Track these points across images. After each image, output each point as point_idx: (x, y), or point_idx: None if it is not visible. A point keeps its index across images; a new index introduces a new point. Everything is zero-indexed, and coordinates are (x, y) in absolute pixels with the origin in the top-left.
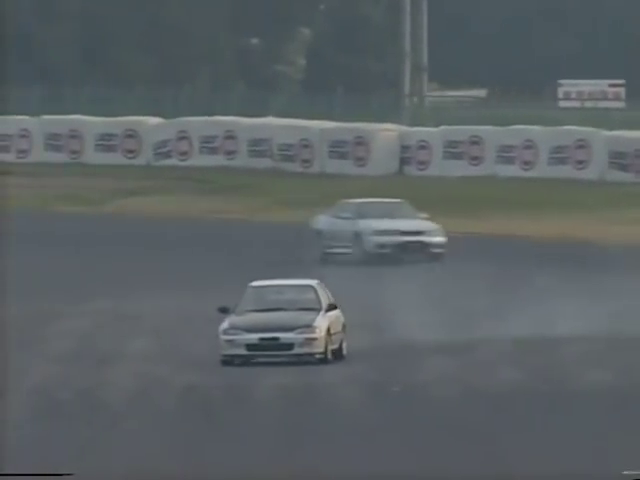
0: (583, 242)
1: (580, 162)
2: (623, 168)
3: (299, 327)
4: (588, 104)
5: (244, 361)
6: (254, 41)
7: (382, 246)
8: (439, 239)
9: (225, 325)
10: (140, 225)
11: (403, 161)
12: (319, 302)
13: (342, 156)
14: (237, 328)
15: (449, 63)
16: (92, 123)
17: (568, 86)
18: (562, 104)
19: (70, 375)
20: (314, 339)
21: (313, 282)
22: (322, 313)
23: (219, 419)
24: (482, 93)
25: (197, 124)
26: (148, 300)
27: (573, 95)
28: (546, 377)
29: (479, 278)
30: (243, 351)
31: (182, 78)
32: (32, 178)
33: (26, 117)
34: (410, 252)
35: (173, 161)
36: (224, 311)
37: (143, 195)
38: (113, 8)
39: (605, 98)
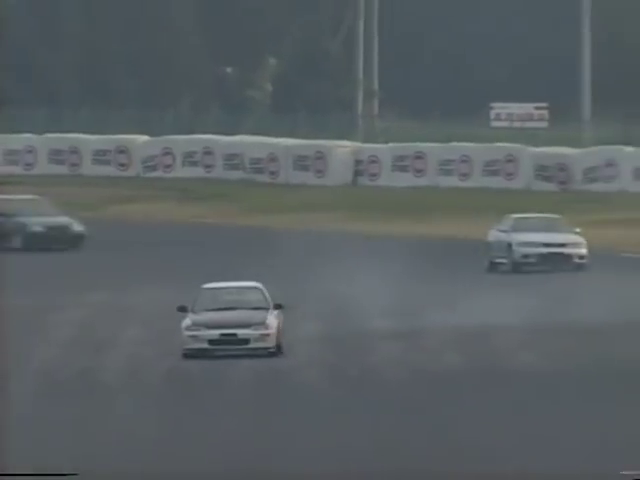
0: None
1: (509, 174)
2: (546, 179)
3: (254, 324)
4: (516, 124)
5: (206, 354)
6: (228, 70)
7: (526, 256)
8: (581, 251)
9: (188, 322)
10: (131, 228)
11: (356, 173)
12: (267, 302)
13: (304, 168)
14: (199, 325)
15: (399, 88)
16: (89, 140)
17: (499, 109)
18: (494, 124)
19: (70, 358)
20: (267, 335)
21: (258, 284)
22: (271, 312)
23: (199, 396)
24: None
25: (180, 141)
26: (139, 293)
27: (503, 116)
28: (482, 360)
29: (422, 274)
30: (205, 345)
31: (167, 102)
32: (37, 188)
33: (32, 135)
34: (552, 262)
35: (159, 173)
36: (183, 310)
37: (134, 202)
38: (108, 38)
39: (531, 119)
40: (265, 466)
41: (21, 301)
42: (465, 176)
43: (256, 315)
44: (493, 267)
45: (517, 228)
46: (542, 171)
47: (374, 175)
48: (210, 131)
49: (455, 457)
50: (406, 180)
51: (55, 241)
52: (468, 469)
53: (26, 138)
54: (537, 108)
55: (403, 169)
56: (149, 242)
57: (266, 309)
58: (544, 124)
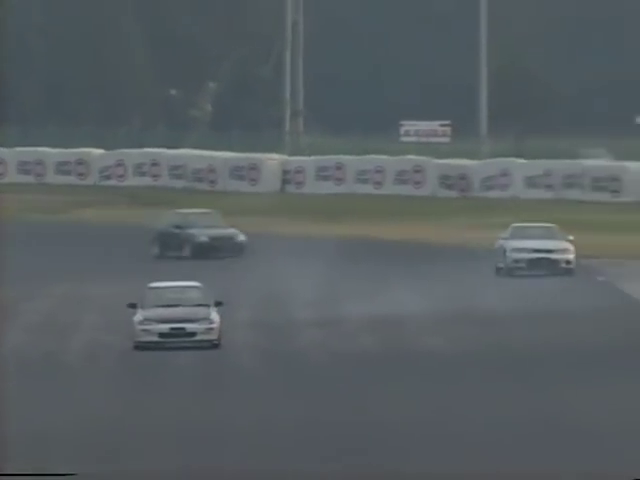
0: (422, 242)
1: (417, 183)
2: (449, 187)
3: (200, 319)
4: (423, 139)
5: (156, 347)
6: (173, 92)
7: (518, 261)
8: (568, 257)
9: (140, 317)
10: (89, 229)
11: (284, 181)
12: (207, 299)
13: (239, 178)
14: (150, 320)
15: (322, 108)
16: (52, 153)
17: (408, 126)
18: (403, 139)
19: (37, 341)
20: (212, 329)
21: (198, 284)
22: (212, 308)
23: (151, 375)
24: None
25: (131, 154)
26: (96, 285)
27: (412, 133)
28: (394, 342)
29: (342, 269)
30: (156, 338)
31: (120, 120)
32: (8, 195)
33: (2, 149)
34: (540, 267)
35: (113, 182)
36: (133, 306)
37: (91, 207)
38: (70, 65)
39: (435, 135)
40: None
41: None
42: (379, 184)
43: (201, 311)
44: (498, 271)
45: (514, 236)
46: (445, 180)
47: (300, 183)
48: (157, 145)
49: (370, 428)
50: (328, 188)
51: (219, 250)
52: (381, 437)
53: None
54: (441, 125)
55: (325, 178)
56: (105, 241)
57: (208, 306)
58: (447, 139)
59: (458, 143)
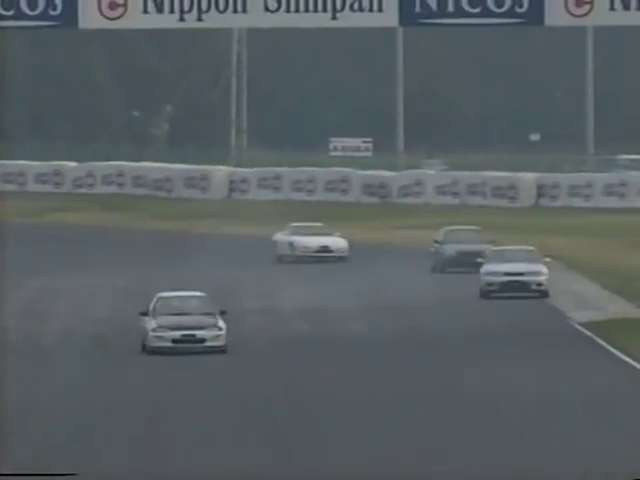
0: (349, 241)
1: (343, 190)
2: (371, 194)
3: (209, 326)
4: (348, 154)
5: (169, 352)
6: (135, 113)
7: (491, 284)
8: (539, 279)
9: (153, 324)
10: (65, 230)
11: (231, 190)
12: (213, 308)
13: (192, 186)
14: (163, 327)
15: (262, 127)
16: (32, 166)
17: (336, 142)
18: (332, 154)
19: (18, 326)
20: (220, 335)
21: (203, 294)
22: (219, 316)
23: (117, 356)
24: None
25: (99, 167)
26: (70, 278)
27: (339, 148)
28: (323, 327)
29: (275, 266)
30: (169, 344)
31: (90, 137)
32: None
33: None
34: (512, 289)
35: (84, 190)
36: (144, 314)
37: (66, 211)
38: (48, 91)
39: (359, 150)
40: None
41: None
42: (311, 192)
43: (209, 319)
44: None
45: (490, 259)
46: (368, 188)
47: (244, 191)
48: (122, 159)
49: (301, 398)
50: (267, 195)
51: (464, 264)
52: (311, 405)
53: None
54: (364, 142)
55: (265, 187)
56: (78, 240)
57: (214, 314)
58: (369, 154)
59: (378, 157)
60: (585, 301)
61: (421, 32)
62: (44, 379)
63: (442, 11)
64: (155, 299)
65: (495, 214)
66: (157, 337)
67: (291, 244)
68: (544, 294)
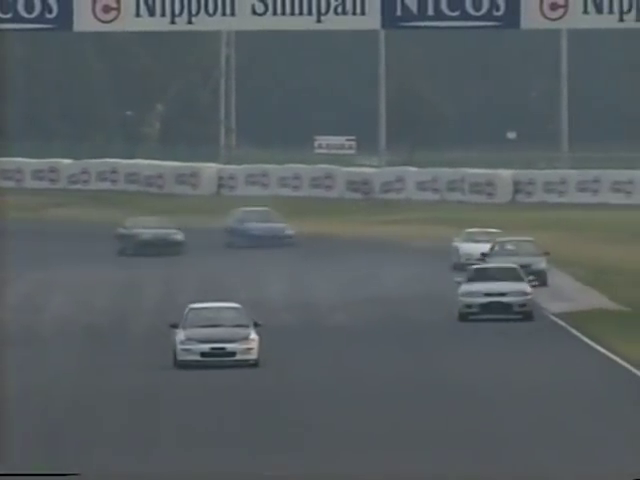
0: (333, 235)
1: (328, 187)
2: (354, 190)
3: (239, 339)
4: (333, 151)
5: (198, 365)
6: (129, 113)
7: (469, 306)
8: (523, 299)
9: (182, 337)
10: (60, 224)
11: (220, 186)
12: (247, 320)
13: (183, 183)
14: (192, 340)
15: (250, 126)
16: (29, 163)
17: (321, 140)
18: (317, 151)
19: (17, 317)
20: (251, 348)
21: (238, 305)
22: (252, 328)
23: (106, 341)
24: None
25: (94, 164)
26: (65, 271)
27: (324, 146)
28: (308, 317)
29: (267, 257)
30: (198, 357)
31: (85, 136)
32: None
33: None
34: (493, 311)
35: (79, 186)
36: (174, 326)
37: (62, 207)
38: (45, 92)
39: (343, 148)
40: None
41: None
42: (297, 188)
43: (241, 331)
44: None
45: (468, 278)
46: (351, 185)
47: (232, 187)
48: (115, 156)
49: (286, 384)
50: (255, 191)
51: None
52: (297, 390)
53: None
54: (347, 140)
55: (253, 183)
56: (73, 234)
57: (247, 326)
58: (352, 151)
59: (362, 155)
60: (559, 293)
61: (403, 34)
62: (41, 366)
63: (422, 14)
64: (186, 310)
65: (473, 210)
66: (185, 350)
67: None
68: (528, 316)
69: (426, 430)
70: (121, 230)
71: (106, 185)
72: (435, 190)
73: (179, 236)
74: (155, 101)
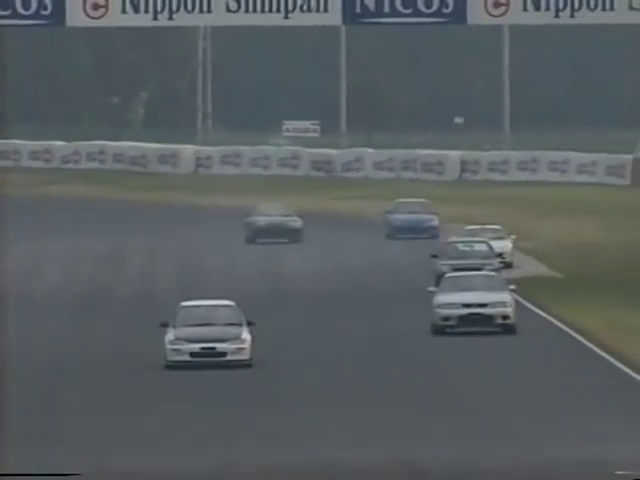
0: (299, 210)
1: (294, 166)
2: (318, 169)
3: (231, 339)
4: (299, 135)
5: (187, 366)
6: (115, 99)
7: (446, 318)
8: (505, 310)
9: (171, 337)
10: (54, 200)
11: (197, 165)
12: (240, 318)
13: (164, 162)
14: (181, 339)
15: (225, 111)
16: (26, 145)
17: (288, 124)
18: (285, 134)
19: (13, 283)
20: (243, 348)
21: (232, 302)
22: (245, 327)
23: (98, 308)
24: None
25: (84, 146)
26: (57, 242)
27: (291, 129)
28: (278, 285)
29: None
30: (187, 358)
31: (76, 120)
32: None
33: None
34: (472, 323)
35: (70, 166)
36: (165, 325)
37: (55, 184)
38: (39, 81)
39: (308, 131)
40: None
41: None
42: (267, 167)
43: (232, 330)
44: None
45: (444, 287)
46: (316, 164)
47: (208, 167)
48: (103, 139)
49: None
50: (229, 170)
51: None
52: (275, 345)
53: None
54: (312, 124)
55: (227, 163)
56: (64, 209)
57: (240, 325)
58: (317, 134)
59: (325, 137)
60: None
61: (362, 30)
62: (36, 326)
63: (379, 11)
64: (177, 308)
65: (425, 187)
66: (174, 350)
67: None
68: (510, 330)
69: (382, 383)
70: (246, 218)
71: (95, 165)
72: (390, 169)
73: (297, 223)
74: (139, 89)
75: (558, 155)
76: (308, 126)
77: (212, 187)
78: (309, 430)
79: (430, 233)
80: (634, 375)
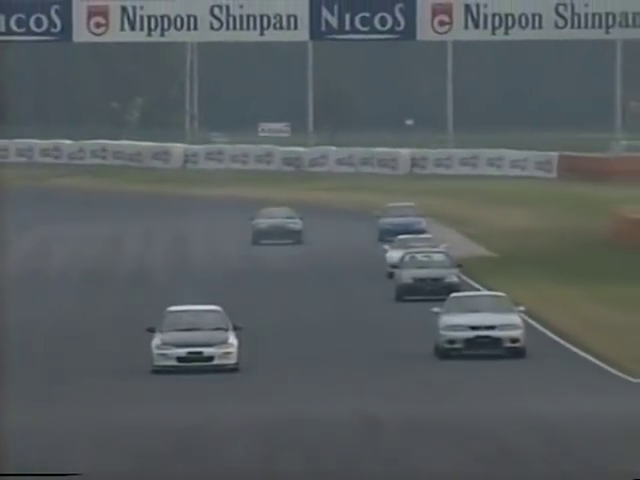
0: (272, 199)
1: (269, 162)
2: (289, 165)
3: (217, 343)
4: (273, 135)
5: (174, 371)
6: (114, 104)
7: (452, 341)
8: (513, 333)
9: (157, 341)
10: (62, 191)
11: (185, 161)
12: (227, 323)
13: (157, 159)
14: (168, 344)
15: (210, 114)
16: (38, 143)
17: (263, 125)
18: (260, 134)
19: (28, 262)
20: (230, 353)
21: (219, 308)
22: (231, 332)
23: (101, 283)
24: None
25: (88, 144)
26: (66, 227)
27: (266, 130)
28: (257, 265)
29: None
30: (174, 362)
31: (81, 122)
32: (10, 169)
33: (6, 141)
34: (479, 347)
35: (77, 161)
36: (151, 331)
37: (63, 178)
38: (48, 88)
39: (281, 132)
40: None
41: None
42: (245, 163)
43: (219, 335)
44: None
45: (448, 308)
46: (286, 160)
47: (195, 162)
48: (105, 138)
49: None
50: (213, 165)
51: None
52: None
53: (2, 143)
54: (284, 126)
55: (211, 159)
56: (71, 199)
57: (226, 329)
58: (288, 134)
59: (294, 137)
60: (445, 243)
61: (326, 44)
62: (48, 298)
63: (341, 29)
64: (164, 313)
65: (381, 180)
66: (161, 355)
67: None
68: (520, 353)
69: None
70: (251, 221)
71: (98, 161)
72: (351, 164)
73: (296, 225)
74: (135, 95)
75: (494, 152)
76: (280, 127)
77: (198, 180)
78: (282, 389)
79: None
80: (556, 338)
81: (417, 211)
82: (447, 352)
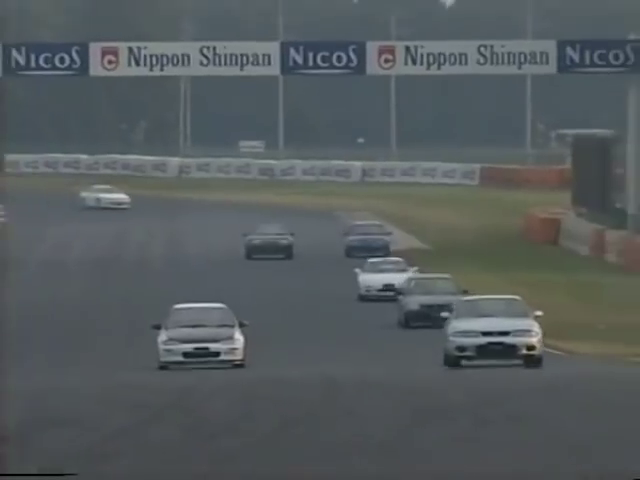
0: (250, 203)
1: (247, 172)
2: (264, 174)
3: (224, 339)
4: (251, 150)
5: (180, 366)
6: (123, 126)
7: (462, 348)
8: (530, 340)
9: (164, 337)
10: (80, 197)
11: (180, 172)
12: (232, 320)
13: (157, 169)
14: (174, 340)
15: (197, 131)
16: (61, 157)
17: (243, 143)
18: (241, 150)
19: (52, 253)
20: (236, 348)
21: (224, 305)
22: (237, 328)
23: (110, 270)
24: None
25: (102, 158)
26: (81, 225)
27: (245, 147)
28: (236, 256)
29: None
30: (180, 358)
31: (95, 140)
32: (37, 179)
33: (33, 155)
34: (492, 355)
35: (93, 172)
36: (157, 327)
37: (82, 184)
38: (65, 111)
39: (256, 148)
40: None
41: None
42: (228, 173)
43: (225, 331)
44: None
45: (459, 313)
46: (262, 171)
47: (188, 173)
48: (115, 153)
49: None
50: (203, 175)
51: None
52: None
53: (30, 157)
54: (260, 143)
55: (201, 170)
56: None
57: (232, 326)
58: (262, 150)
59: (268, 152)
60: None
61: (294, 77)
62: (68, 281)
63: (306, 65)
64: (170, 310)
65: (338, 186)
66: (167, 351)
67: None
68: (536, 362)
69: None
70: (244, 237)
71: (109, 171)
72: (313, 174)
73: (285, 241)
74: (140, 118)
75: (429, 164)
76: (256, 144)
77: (191, 187)
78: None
79: (383, 251)
80: None
81: (383, 229)
82: (457, 360)
